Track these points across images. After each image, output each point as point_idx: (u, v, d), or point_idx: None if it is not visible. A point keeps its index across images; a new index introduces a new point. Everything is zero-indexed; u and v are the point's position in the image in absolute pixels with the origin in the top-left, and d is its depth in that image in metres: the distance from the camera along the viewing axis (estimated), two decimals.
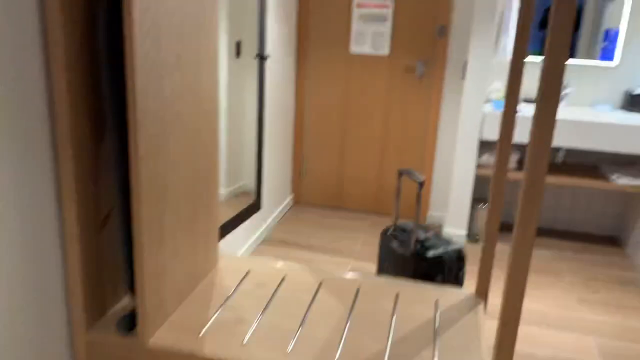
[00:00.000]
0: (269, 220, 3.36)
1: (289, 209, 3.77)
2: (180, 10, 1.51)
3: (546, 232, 3.56)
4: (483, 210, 3.38)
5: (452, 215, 3.32)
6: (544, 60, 1.16)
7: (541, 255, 3.24)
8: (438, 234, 2.10)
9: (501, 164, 1.75)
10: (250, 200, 2.65)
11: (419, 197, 1.97)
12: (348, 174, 3.75)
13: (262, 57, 2.32)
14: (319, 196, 3.84)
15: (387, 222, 3.64)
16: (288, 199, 3.78)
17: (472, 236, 3.40)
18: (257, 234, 3.13)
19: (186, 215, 1.67)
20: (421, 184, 1.94)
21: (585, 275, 3.02)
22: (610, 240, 3.50)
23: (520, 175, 3.23)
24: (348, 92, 3.60)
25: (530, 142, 1.21)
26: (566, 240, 3.46)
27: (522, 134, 3.06)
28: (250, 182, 3.03)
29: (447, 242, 2.04)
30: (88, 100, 1.42)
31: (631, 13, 3.20)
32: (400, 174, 2.06)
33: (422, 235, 2.03)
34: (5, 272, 1.29)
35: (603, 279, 2.98)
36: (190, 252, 1.72)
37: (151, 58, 1.37)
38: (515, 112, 1.72)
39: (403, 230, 2.12)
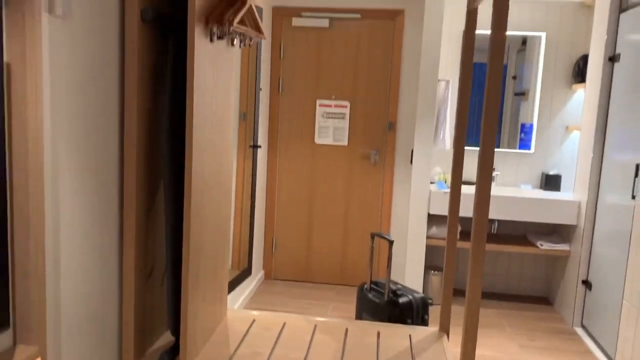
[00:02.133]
0: (247, 291, 3.71)
1: (261, 283, 4.13)
2: (213, 103, 2.02)
3: (487, 295, 4.09)
4: (435, 275, 3.88)
5: (408, 282, 3.80)
6: (480, 150, 1.72)
7: (486, 313, 3.74)
8: (405, 286, 2.57)
9: (452, 234, 2.27)
10: (239, 268, 3.04)
11: (389, 254, 2.45)
12: (315, 249, 4.20)
13: (255, 147, 2.82)
14: (289, 270, 4.24)
15: (352, 290, 4.06)
16: (260, 274, 4.15)
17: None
18: (239, 302, 3.48)
19: (211, 270, 2.08)
20: (391, 243, 2.43)
21: (524, 327, 3.53)
22: (542, 300, 4.07)
23: (463, 244, 3.80)
24: (314, 176, 4.14)
25: (475, 213, 1.74)
26: (505, 301, 4.00)
27: (462, 209, 3.65)
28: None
29: (414, 291, 2.51)
30: (148, 173, 1.86)
31: (540, 110, 4.00)
32: (373, 236, 2.56)
33: (393, 286, 2.49)
34: (76, 311, 1.66)
35: (539, 330, 3.50)
36: (212, 301, 2.11)
37: (200, 143, 1.85)
38: (460, 191, 2.29)
39: (376, 284, 2.58)
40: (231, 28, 1.84)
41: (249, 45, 2.18)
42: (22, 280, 1.23)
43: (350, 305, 3.76)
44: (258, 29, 2.14)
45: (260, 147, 3.05)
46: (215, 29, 1.88)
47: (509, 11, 3.94)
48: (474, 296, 1.80)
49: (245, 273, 2.86)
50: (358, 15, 3.96)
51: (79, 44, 1.54)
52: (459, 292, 4.08)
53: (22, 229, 1.24)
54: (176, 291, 1.89)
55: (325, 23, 3.98)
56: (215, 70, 1.97)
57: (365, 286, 2.62)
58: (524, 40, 3.96)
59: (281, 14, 4.02)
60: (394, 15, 3.92)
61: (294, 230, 4.21)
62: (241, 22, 2.04)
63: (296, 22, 4.00)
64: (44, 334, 1.25)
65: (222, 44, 2.02)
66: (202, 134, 1.84)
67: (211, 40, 1.89)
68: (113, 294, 1.80)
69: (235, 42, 2.13)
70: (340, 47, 4.01)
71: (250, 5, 1.98)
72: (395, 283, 2.60)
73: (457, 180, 2.26)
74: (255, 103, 3.06)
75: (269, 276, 4.25)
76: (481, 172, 1.72)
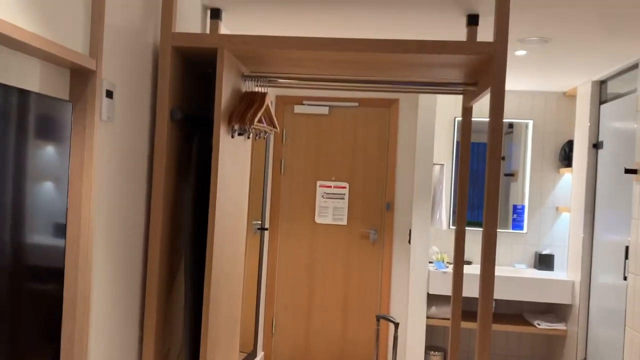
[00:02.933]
0: None
1: None
2: (232, 192, 2.16)
3: None
4: (435, 356, 3.90)
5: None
6: (484, 231, 1.85)
7: None
8: None
9: (456, 314, 2.36)
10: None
11: (395, 338, 2.51)
12: (314, 330, 4.22)
13: (263, 229, 2.93)
14: (288, 352, 4.23)
15: None
16: (260, 356, 4.13)
17: None
18: None
19: (225, 353, 2.13)
20: (396, 325, 2.50)
21: None
22: None
23: (465, 324, 3.85)
24: (314, 255, 4.24)
25: (480, 293, 1.85)
26: None
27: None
28: None
29: None
30: (171, 260, 1.95)
31: (530, 192, 4.19)
32: (378, 319, 2.63)
33: None
34: None
35: None
36: None
37: (220, 231, 1.97)
38: (462, 271, 2.40)
39: None
40: (252, 126, 2.01)
41: (264, 138, 2.35)
42: (68, 350, 1.31)
43: None
44: (273, 124, 2.32)
45: (267, 229, 3.16)
46: (236, 127, 2.05)
47: None
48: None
49: (252, 355, 2.88)
50: (356, 104, 4.21)
51: (118, 141, 1.69)
52: None
53: (70, 305, 1.33)
54: None
55: (325, 110, 4.23)
56: (235, 163, 2.12)
57: None
58: (511, 125, 4.22)
59: (284, 102, 4.27)
60: (390, 104, 4.18)
61: (294, 310, 4.24)
62: (258, 120, 2.22)
63: (298, 109, 4.25)
64: None
65: (240, 138, 2.19)
66: (222, 223, 1.96)
67: (232, 136, 2.05)
68: None
69: (250, 136, 2.31)
70: (339, 132, 4.24)
71: (267, 104, 2.17)
72: None
73: (459, 259, 2.38)
74: (264, 187, 3.20)
75: (268, 358, 4.23)
76: (485, 251, 1.85)
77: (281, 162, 4.28)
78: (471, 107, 2.40)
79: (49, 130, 1.21)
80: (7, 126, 1.06)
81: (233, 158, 2.09)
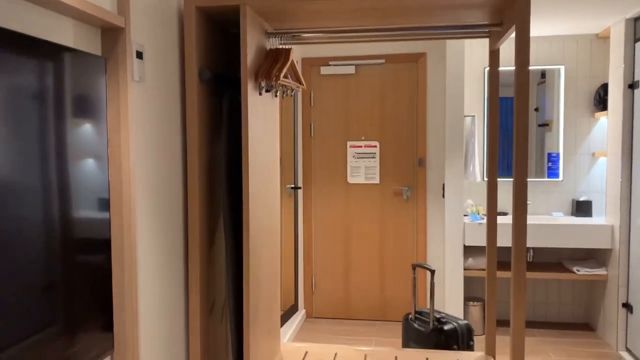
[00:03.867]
0: (290, 330, 3.82)
1: (303, 322, 4.23)
2: (263, 150, 2.21)
3: (528, 324, 4.11)
4: (474, 306, 3.94)
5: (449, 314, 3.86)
6: (514, 180, 1.85)
7: (528, 341, 3.76)
8: (449, 314, 2.66)
9: (491, 264, 2.37)
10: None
11: (432, 284, 2.56)
12: (353, 286, 4.31)
13: (296, 188, 2.99)
14: (329, 309, 4.34)
15: (392, 325, 4.13)
16: (302, 313, 4.25)
17: None
18: (284, 341, 3.58)
19: (267, 305, 2.22)
20: (432, 272, 2.54)
21: (568, 353, 3.54)
22: (583, 326, 4.07)
23: (501, 274, 3.87)
24: (348, 215, 4.29)
25: (513, 242, 1.87)
26: (546, 329, 4.01)
27: (498, 240, 3.74)
28: None
29: (457, 319, 2.60)
30: (208, 217, 2.03)
31: (565, 139, 4.12)
32: (414, 267, 2.67)
33: (437, 315, 2.59)
34: (152, 349, 1.82)
35: (583, 355, 3.51)
36: (269, 335, 2.24)
37: (254, 187, 2.03)
38: (496, 222, 2.41)
39: (420, 313, 2.68)
40: (278, 82, 2.04)
41: (291, 95, 2.38)
42: (120, 314, 1.40)
43: (392, 340, 3.83)
44: (299, 81, 2.35)
45: (300, 188, 3.22)
46: (263, 84, 2.09)
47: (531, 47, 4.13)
48: (519, 315, 1.90)
49: (293, 309, 2.98)
50: (382, 61, 4.18)
51: (151, 102, 1.75)
52: (499, 323, 4.12)
53: (119, 273, 1.42)
54: (237, 325, 2.03)
55: (351, 70, 4.21)
56: (264, 121, 2.16)
57: (410, 316, 2.71)
58: (543, 73, 4.13)
59: (310, 64, 4.27)
60: (417, 58, 4.14)
61: (332, 268, 4.33)
62: (284, 75, 2.25)
63: (324, 70, 4.25)
64: None
65: (267, 96, 2.22)
66: (255, 179, 2.02)
67: (260, 93, 2.09)
68: (180, 329, 1.95)
69: (278, 94, 2.34)
70: (367, 91, 4.23)
71: (292, 60, 2.20)
72: (439, 312, 2.70)
73: (492, 210, 2.39)
74: (295, 147, 3.25)
75: (309, 315, 4.35)
76: (516, 201, 1.86)
77: (310, 125, 4.31)
78: (498, 50, 2.36)
79: (86, 89, 1.27)
80: (46, 82, 1.13)
81: (262, 114, 2.14)
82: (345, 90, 4.26)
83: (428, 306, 4.17)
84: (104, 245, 1.37)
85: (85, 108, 1.28)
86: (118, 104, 1.39)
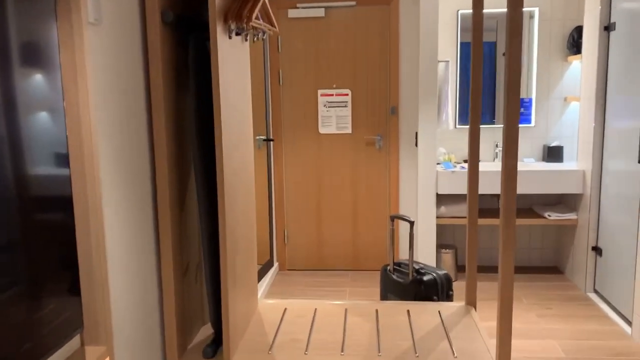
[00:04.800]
0: (264, 284, 3.76)
1: (276, 274, 4.18)
2: (235, 98, 2.06)
3: (497, 269, 4.17)
4: (446, 254, 3.96)
5: (421, 261, 3.87)
6: (505, 125, 1.76)
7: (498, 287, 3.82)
8: (427, 265, 2.63)
9: (473, 211, 2.32)
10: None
11: (411, 235, 2.51)
12: (326, 237, 4.26)
13: (269, 140, 2.85)
14: (302, 261, 4.30)
15: (365, 274, 4.13)
16: (275, 266, 4.20)
17: None
18: (259, 294, 3.52)
19: (244, 263, 2.12)
20: (412, 224, 2.49)
21: (539, 297, 3.62)
22: (553, 269, 4.16)
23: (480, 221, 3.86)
24: (320, 166, 4.19)
25: (503, 187, 1.80)
26: (517, 273, 4.08)
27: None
28: None
29: (436, 269, 2.57)
30: (179, 171, 1.89)
31: (537, 84, 4.07)
32: (392, 218, 2.61)
33: (416, 266, 2.55)
34: (124, 312, 1.71)
35: (553, 298, 3.58)
36: (246, 292, 2.16)
37: (228, 138, 1.89)
38: (477, 168, 2.34)
39: (399, 265, 2.64)
40: (249, 24, 1.87)
41: (262, 39, 2.21)
42: (87, 282, 1.27)
43: (366, 290, 3.83)
44: (271, 23, 2.17)
45: (273, 140, 3.08)
46: (233, 26, 1.91)
47: None
48: (507, 267, 1.86)
49: (269, 264, 2.90)
50: (354, 3, 3.99)
51: (109, 47, 1.57)
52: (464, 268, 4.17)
53: (84, 231, 1.28)
54: (214, 284, 1.93)
55: (321, 13, 4.01)
56: (235, 67, 2.00)
57: (389, 267, 2.67)
58: None
59: (277, 7, 4.04)
60: (389, 0, 3.96)
61: (304, 220, 4.26)
62: (256, 17, 2.07)
63: (292, 13, 4.03)
64: (111, 335, 1.29)
65: (237, 40, 2.05)
66: (228, 130, 1.88)
67: (230, 37, 1.92)
68: (153, 292, 1.84)
69: (248, 37, 2.16)
70: (338, 35, 4.05)
71: (264, 0, 2.01)
72: (417, 262, 2.66)
73: (474, 156, 2.32)
74: (265, 97, 3.08)
75: (283, 267, 4.30)
76: (507, 146, 1.78)
77: (279, 72, 4.12)
78: None
79: (32, 34, 1.09)
80: None
81: (232, 61, 1.97)
82: (315, 35, 4.06)
83: (405, 257, 4.17)
84: (64, 203, 1.23)
85: (34, 56, 1.11)
86: (72, 50, 1.22)
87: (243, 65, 2.12)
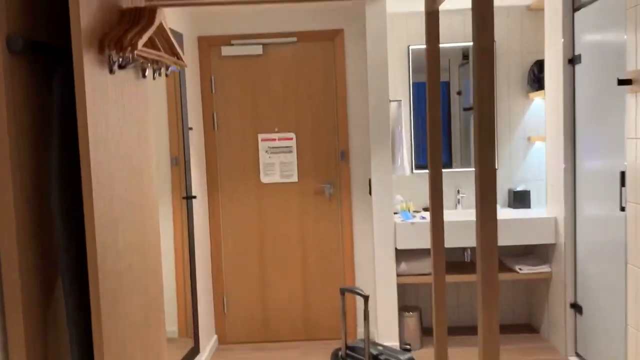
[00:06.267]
0: None
1: (215, 350, 3.58)
2: (121, 153, 1.55)
3: (466, 329, 3.71)
4: (410, 317, 3.47)
5: (381, 328, 3.37)
6: (477, 168, 1.31)
7: (467, 351, 3.35)
8: (387, 347, 2.13)
9: (439, 269, 1.87)
10: (183, 345, 2.51)
11: (366, 313, 2.02)
12: (272, 304, 3.71)
13: (189, 198, 2.34)
14: (245, 332, 3.72)
15: (319, 346, 3.59)
16: (213, 340, 3.61)
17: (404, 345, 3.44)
18: None
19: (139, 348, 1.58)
20: (366, 299, 2.00)
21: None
22: (525, 328, 3.73)
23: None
24: (263, 220, 3.68)
25: (478, 243, 1.34)
26: None
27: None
28: (170, 327, 2.88)
29: (397, 352, 2.08)
30: (37, 259, 1.35)
31: (498, 124, 3.73)
32: (343, 292, 2.12)
33: (374, 350, 2.05)
34: None
35: None
36: None
37: (105, 209, 1.37)
38: (442, 217, 1.90)
39: (353, 349, 2.13)
40: (134, 52, 1.39)
41: (166, 75, 1.73)
42: None
43: None
44: (175, 54, 1.70)
45: (194, 197, 2.57)
46: (115, 57, 1.42)
47: (449, 23, 3.69)
48: (491, 339, 1.38)
49: (191, 354, 2.34)
50: (294, 39, 3.59)
51: None
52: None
53: None
54: None
55: (258, 50, 3.59)
56: (122, 110, 1.50)
57: (340, 353, 2.16)
58: (465, 54, 3.68)
59: (209, 44, 3.60)
60: (333, 36, 3.58)
61: (247, 284, 3.71)
62: (152, 46, 1.59)
63: (226, 51, 3.59)
64: None
65: (128, 75, 1.56)
66: (107, 195, 1.37)
67: (111, 71, 1.43)
68: None
69: (147, 73, 1.68)
70: (278, 74, 3.62)
71: (161, 23, 1.55)
72: (375, 345, 2.16)
73: (437, 207, 1.87)
74: (184, 145, 2.59)
75: (223, 341, 3.71)
76: (481, 192, 1.33)
77: (213, 115, 3.65)
78: (437, 12, 1.83)
79: None
80: None
81: (118, 105, 1.48)
82: (253, 74, 3.63)
83: (360, 336, 3.65)
84: None
85: None
86: None
87: (138, 108, 1.63)
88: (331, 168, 3.66)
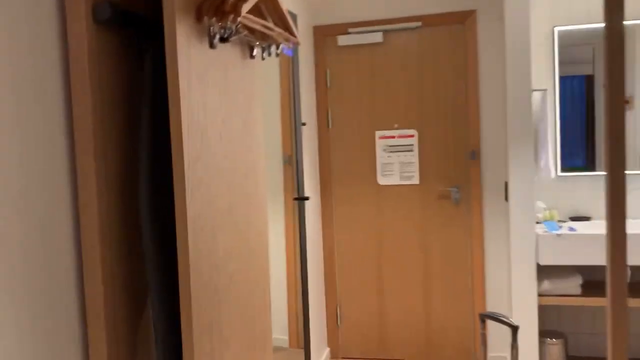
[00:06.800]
0: None
1: None
2: (223, 145, 1.29)
3: None
4: (553, 345, 2.95)
5: (520, 356, 2.88)
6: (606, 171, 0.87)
7: None
8: None
9: (617, 291, 1.41)
10: (294, 357, 2.26)
11: (514, 348, 1.60)
12: (390, 318, 3.36)
13: (302, 199, 2.08)
14: (360, 347, 3.40)
15: None
16: (325, 353, 3.34)
17: None
18: None
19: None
20: (515, 330, 1.59)
21: None
22: None
23: (589, 301, 2.86)
24: (380, 226, 3.34)
25: (609, 258, 0.89)
26: None
27: (585, 256, 2.74)
28: (280, 335, 2.65)
29: None
30: (123, 268, 1.13)
31: None
32: (483, 318, 1.72)
33: None
34: None
35: None
36: None
37: (195, 215, 1.11)
38: (624, 232, 1.44)
39: None
40: (238, 20, 1.12)
41: (277, 54, 1.45)
42: None
43: None
44: (288, 29, 1.42)
45: (307, 198, 2.30)
46: (215, 27, 1.17)
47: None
48: None
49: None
50: (419, 24, 3.21)
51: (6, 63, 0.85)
52: None
53: None
54: None
55: (378, 37, 3.25)
56: (224, 95, 1.25)
57: None
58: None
59: (324, 34, 3.33)
60: (464, 18, 3.15)
61: (362, 296, 3.39)
62: (260, 16, 1.32)
63: (342, 40, 3.30)
64: None
65: (233, 54, 1.30)
66: (206, 195, 1.11)
67: (211, 45, 1.17)
68: None
69: (255, 52, 1.42)
70: (399, 63, 3.26)
71: None
72: None
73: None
74: (297, 143, 2.33)
75: (335, 355, 3.42)
76: (612, 201, 0.89)
77: (327, 112, 3.38)
78: None
79: None
80: None
81: (220, 88, 1.22)
82: (372, 65, 3.30)
83: (496, 354, 3.19)
84: None
85: None
86: None
87: (245, 92, 1.37)
88: (459, 169, 3.23)
